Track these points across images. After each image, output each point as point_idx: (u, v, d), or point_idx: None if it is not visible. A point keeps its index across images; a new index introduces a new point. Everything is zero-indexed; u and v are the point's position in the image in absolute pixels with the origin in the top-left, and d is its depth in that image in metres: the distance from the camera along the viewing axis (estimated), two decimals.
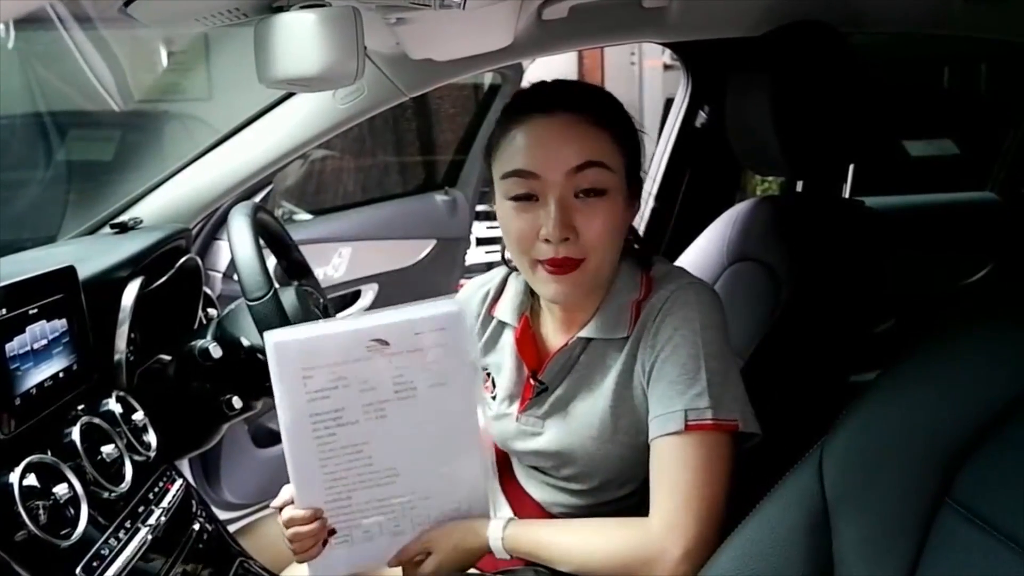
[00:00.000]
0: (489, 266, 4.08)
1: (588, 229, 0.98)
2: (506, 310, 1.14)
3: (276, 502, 1.03)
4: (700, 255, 1.52)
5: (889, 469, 0.77)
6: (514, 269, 1.14)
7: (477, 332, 1.16)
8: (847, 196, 1.76)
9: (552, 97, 1.02)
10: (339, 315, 2.26)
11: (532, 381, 1.09)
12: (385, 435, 0.97)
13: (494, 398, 1.14)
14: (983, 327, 0.81)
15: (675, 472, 0.96)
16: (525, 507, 1.15)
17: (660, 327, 0.99)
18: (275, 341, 0.94)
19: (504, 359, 1.14)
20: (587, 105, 1.00)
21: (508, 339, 1.14)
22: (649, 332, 1.00)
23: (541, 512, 1.14)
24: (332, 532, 1.01)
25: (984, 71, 3.14)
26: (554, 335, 1.11)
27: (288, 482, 1.00)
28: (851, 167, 1.84)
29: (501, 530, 1.01)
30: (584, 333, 1.05)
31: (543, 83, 1.06)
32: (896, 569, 0.74)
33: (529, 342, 1.11)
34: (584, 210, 0.98)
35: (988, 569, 0.68)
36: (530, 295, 1.13)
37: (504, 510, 1.16)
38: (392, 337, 0.95)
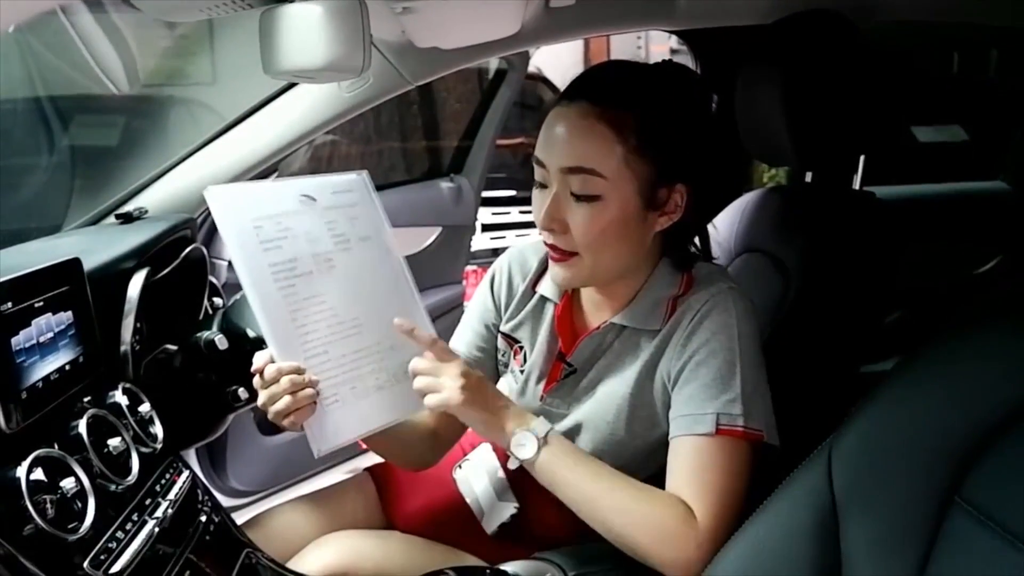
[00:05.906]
0: (495, 252, 4.09)
1: (575, 228, 0.99)
2: (549, 286, 1.14)
3: (256, 365, 0.97)
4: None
5: (898, 468, 0.77)
6: None
7: (516, 304, 1.16)
8: (858, 187, 1.75)
9: (582, 85, 1.00)
10: None
11: (562, 363, 1.10)
12: (338, 286, 1.01)
13: (522, 371, 1.14)
14: (995, 325, 0.80)
15: (698, 471, 0.95)
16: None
17: (696, 328, 0.99)
18: (213, 190, 0.96)
19: (540, 334, 1.14)
20: (614, 100, 0.96)
21: (548, 315, 1.14)
22: (683, 331, 1.00)
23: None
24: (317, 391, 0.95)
25: (995, 57, 3.10)
26: (590, 316, 1.11)
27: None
28: (862, 158, 1.82)
29: (541, 437, 0.97)
30: (617, 320, 1.05)
31: (594, 67, 1.05)
32: (905, 569, 0.73)
33: (567, 320, 1.11)
34: (576, 209, 0.98)
35: (997, 570, 0.68)
36: None
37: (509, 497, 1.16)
38: (316, 193, 1.03)
